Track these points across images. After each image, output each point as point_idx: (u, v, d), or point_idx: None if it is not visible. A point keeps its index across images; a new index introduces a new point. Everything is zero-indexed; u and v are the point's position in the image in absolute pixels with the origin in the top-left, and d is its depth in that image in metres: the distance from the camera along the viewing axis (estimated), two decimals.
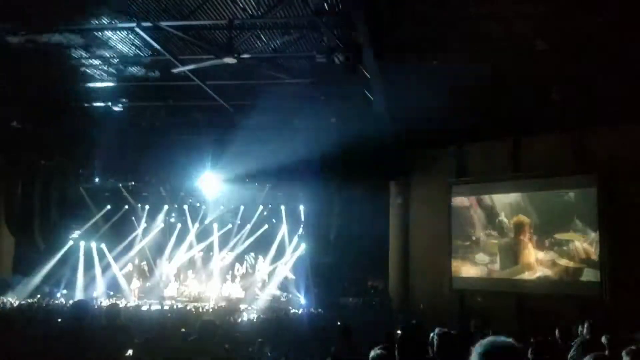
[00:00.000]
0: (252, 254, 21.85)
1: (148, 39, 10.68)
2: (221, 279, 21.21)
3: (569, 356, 6.44)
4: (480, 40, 10.33)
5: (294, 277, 20.30)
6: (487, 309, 13.53)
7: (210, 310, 17.07)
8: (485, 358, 2.01)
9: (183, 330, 6.83)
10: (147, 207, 21.79)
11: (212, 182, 19.51)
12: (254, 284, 20.90)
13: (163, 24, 10.13)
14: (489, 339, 2.13)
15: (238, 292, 20.58)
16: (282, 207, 20.83)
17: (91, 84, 13.71)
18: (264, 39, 11.09)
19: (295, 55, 11.91)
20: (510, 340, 2.07)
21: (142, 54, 12.05)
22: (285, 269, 20.62)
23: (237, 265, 21.71)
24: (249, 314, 16.12)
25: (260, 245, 21.51)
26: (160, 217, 22.06)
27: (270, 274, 20.93)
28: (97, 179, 20.42)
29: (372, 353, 4.36)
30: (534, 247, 14.03)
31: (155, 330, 5.77)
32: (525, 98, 12.41)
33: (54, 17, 10.19)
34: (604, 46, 10.02)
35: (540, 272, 13.86)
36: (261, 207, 21.17)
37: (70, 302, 16.55)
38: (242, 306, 18.25)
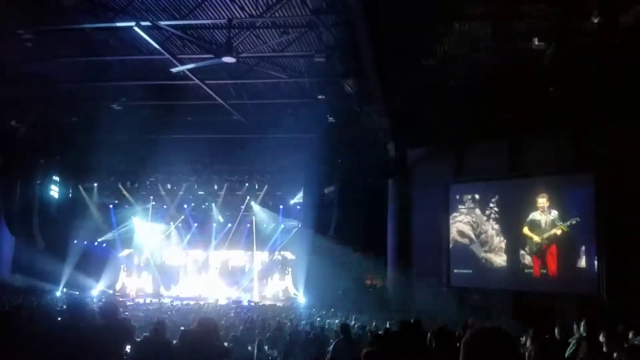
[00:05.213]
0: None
1: (147, 38, 10.67)
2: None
3: (566, 354, 6.48)
4: (479, 40, 10.36)
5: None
6: (485, 307, 13.54)
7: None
8: (469, 344, 1.95)
9: (182, 328, 6.84)
10: (148, 206, 21.83)
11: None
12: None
13: (162, 23, 10.14)
14: (475, 327, 2.06)
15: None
16: (280, 207, 20.91)
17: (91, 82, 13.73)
18: (262, 39, 11.10)
19: (294, 55, 11.91)
20: (495, 326, 1.96)
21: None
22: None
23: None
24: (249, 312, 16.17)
25: (259, 241, 21.73)
26: (160, 216, 22.12)
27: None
28: (96, 178, 20.44)
29: (364, 350, 4.39)
30: (530, 245, 14.06)
31: (154, 328, 5.78)
32: (524, 98, 12.42)
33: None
34: (603, 46, 10.05)
35: (537, 270, 13.88)
36: (259, 206, 21.26)
37: (68, 301, 16.58)
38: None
